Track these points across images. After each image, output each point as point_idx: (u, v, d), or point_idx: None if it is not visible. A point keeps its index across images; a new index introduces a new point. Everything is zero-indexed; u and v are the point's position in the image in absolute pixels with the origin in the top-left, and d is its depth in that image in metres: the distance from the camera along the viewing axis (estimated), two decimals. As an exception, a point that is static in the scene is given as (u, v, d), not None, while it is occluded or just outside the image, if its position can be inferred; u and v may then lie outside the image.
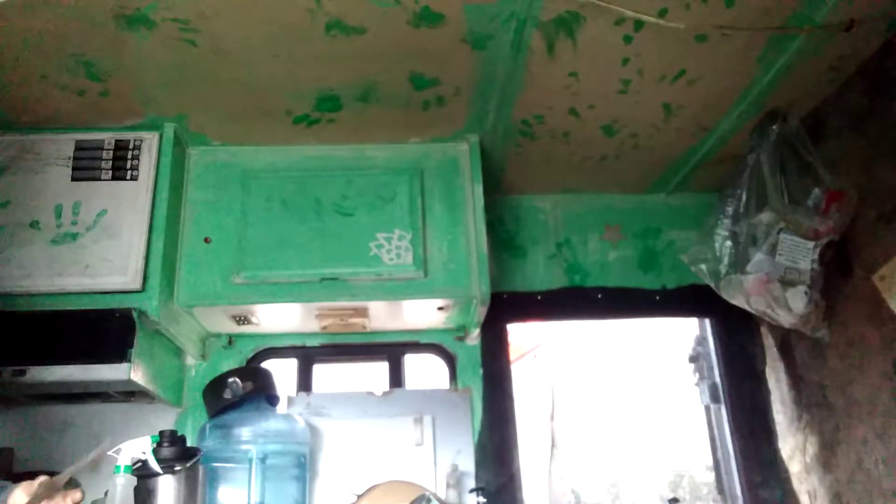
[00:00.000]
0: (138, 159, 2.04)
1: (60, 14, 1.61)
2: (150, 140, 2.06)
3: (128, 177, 2.02)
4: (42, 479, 1.35)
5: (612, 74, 1.91)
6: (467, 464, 2.21)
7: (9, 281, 1.87)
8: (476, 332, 2.33)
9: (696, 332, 2.63)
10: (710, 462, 2.56)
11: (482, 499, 2.08)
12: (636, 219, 2.62)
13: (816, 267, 1.98)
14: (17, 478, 1.98)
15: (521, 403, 2.44)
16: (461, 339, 2.39)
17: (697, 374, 2.59)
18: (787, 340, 2.33)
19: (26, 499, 1.31)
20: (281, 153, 2.21)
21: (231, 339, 2.33)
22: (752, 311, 2.09)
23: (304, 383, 2.36)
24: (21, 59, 1.77)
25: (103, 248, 1.93)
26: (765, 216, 2.03)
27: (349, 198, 2.15)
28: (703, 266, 2.17)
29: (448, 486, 2.11)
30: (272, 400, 2.14)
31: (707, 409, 2.54)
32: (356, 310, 2.13)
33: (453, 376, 2.36)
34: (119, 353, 1.84)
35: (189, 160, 2.19)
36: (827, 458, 2.12)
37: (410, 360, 2.44)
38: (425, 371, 2.47)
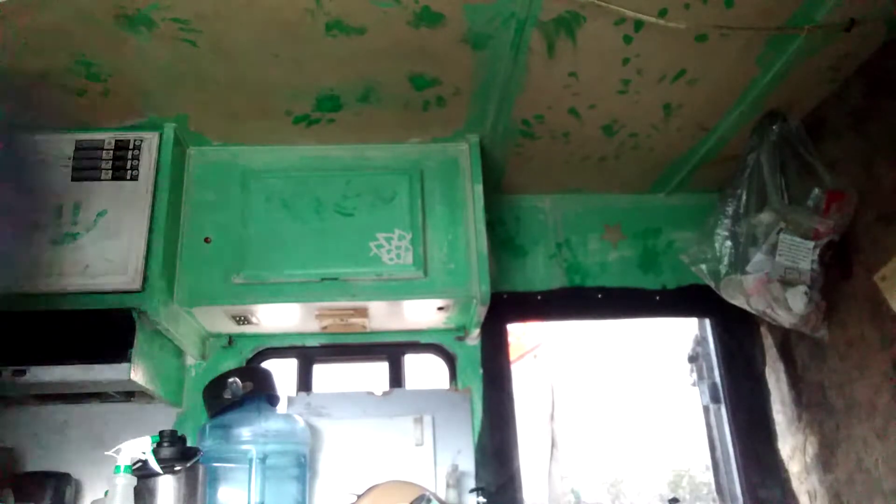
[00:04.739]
0: (138, 159, 2.04)
1: (60, 14, 1.61)
2: (150, 140, 2.06)
3: (128, 177, 2.01)
4: None
5: (612, 74, 1.91)
6: (467, 464, 2.21)
7: (9, 281, 1.87)
8: (476, 332, 2.33)
9: (696, 332, 2.63)
10: (710, 462, 2.56)
11: (482, 499, 2.08)
12: (636, 219, 2.62)
13: (816, 267, 1.98)
14: (18, 478, 1.99)
15: (521, 403, 2.44)
16: (461, 339, 2.39)
17: (697, 374, 2.59)
18: (787, 340, 2.33)
19: None
20: (281, 153, 2.21)
21: (231, 339, 2.33)
22: (752, 311, 2.09)
23: (304, 383, 2.36)
24: (21, 59, 1.77)
25: (103, 248, 1.93)
26: (765, 216, 2.03)
27: (349, 198, 2.15)
28: (703, 266, 2.17)
29: (448, 486, 2.11)
30: (272, 400, 2.14)
31: (706, 409, 2.54)
32: (356, 310, 2.13)
33: (453, 376, 2.36)
34: (119, 353, 1.84)
35: (189, 160, 2.19)
36: (827, 458, 2.12)
37: (410, 360, 2.44)
38: (425, 371, 2.47)
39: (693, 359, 2.61)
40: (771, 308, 2.02)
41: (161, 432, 1.76)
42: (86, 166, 2.02)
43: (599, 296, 2.52)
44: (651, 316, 2.58)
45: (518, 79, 1.91)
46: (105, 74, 1.85)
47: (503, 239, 2.56)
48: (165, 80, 1.88)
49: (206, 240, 2.10)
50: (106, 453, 1.61)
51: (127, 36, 1.70)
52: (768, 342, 2.44)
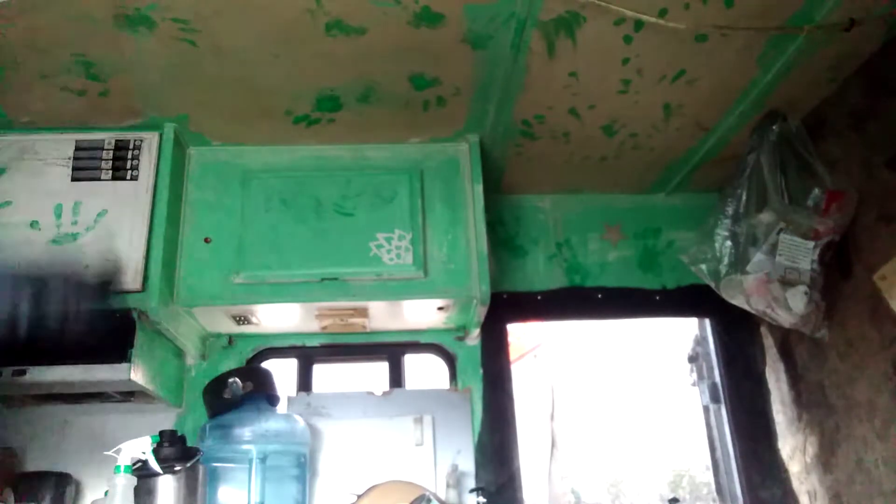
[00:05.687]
0: (138, 159, 2.04)
1: (60, 14, 1.61)
2: (150, 140, 2.06)
3: (128, 177, 2.02)
4: None
5: (612, 74, 1.91)
6: (467, 464, 2.21)
7: (9, 281, 1.87)
8: (476, 332, 2.33)
9: (696, 332, 2.63)
10: (710, 462, 2.56)
11: (482, 499, 2.07)
12: (636, 219, 2.62)
13: (816, 267, 1.98)
14: (18, 478, 1.99)
15: (521, 403, 2.44)
16: (461, 339, 2.39)
17: (697, 374, 2.59)
18: (787, 340, 2.33)
19: None
20: (281, 153, 2.21)
21: (231, 339, 2.33)
22: (752, 311, 2.09)
23: (304, 383, 2.36)
24: (21, 59, 1.77)
25: (103, 248, 1.93)
26: (765, 216, 2.03)
27: (349, 198, 2.15)
28: (703, 266, 2.17)
29: (448, 486, 2.11)
30: (272, 400, 2.13)
31: (706, 409, 2.54)
32: (356, 310, 2.13)
33: (453, 376, 2.36)
34: (119, 353, 1.84)
35: (189, 160, 2.19)
36: (827, 458, 2.12)
37: (410, 360, 2.44)
38: (425, 371, 2.47)
39: (693, 359, 2.61)
40: (771, 308, 2.02)
41: (161, 432, 1.76)
42: (86, 166, 2.02)
43: (599, 296, 2.52)
44: (651, 316, 2.58)
45: (518, 79, 1.91)
46: (105, 74, 1.85)
47: (503, 239, 2.56)
48: (165, 80, 1.88)
49: (206, 240, 2.10)
50: (106, 453, 1.60)
51: (127, 36, 1.70)
52: (768, 342, 2.44)
